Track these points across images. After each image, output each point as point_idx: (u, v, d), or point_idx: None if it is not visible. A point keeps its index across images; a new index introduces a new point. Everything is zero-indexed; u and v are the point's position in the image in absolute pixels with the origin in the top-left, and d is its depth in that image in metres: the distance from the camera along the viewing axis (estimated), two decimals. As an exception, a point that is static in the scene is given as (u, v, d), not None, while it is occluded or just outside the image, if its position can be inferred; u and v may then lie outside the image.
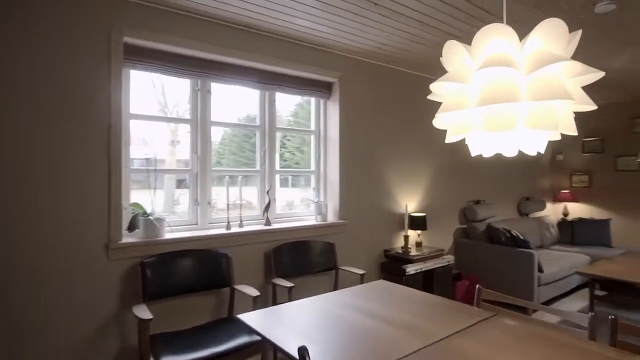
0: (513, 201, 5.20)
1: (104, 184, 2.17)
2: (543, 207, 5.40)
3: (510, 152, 1.22)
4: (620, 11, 2.44)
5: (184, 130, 2.74)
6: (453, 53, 1.13)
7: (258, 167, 3.07)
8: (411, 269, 3.29)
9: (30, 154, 1.96)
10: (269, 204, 2.94)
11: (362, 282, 2.83)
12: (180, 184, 2.76)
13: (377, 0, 2.28)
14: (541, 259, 3.88)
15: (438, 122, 1.26)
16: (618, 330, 1.43)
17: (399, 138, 3.76)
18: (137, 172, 2.49)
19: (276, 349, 1.41)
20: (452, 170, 4.31)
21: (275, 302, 2.74)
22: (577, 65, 0.98)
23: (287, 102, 3.23)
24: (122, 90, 2.25)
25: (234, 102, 2.94)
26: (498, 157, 4.91)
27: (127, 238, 2.31)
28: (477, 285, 1.86)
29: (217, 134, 2.79)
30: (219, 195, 2.81)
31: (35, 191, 1.97)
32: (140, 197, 2.47)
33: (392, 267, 3.41)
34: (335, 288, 3.06)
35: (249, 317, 1.65)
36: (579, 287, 4.40)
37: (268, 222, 2.91)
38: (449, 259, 3.64)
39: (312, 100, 3.41)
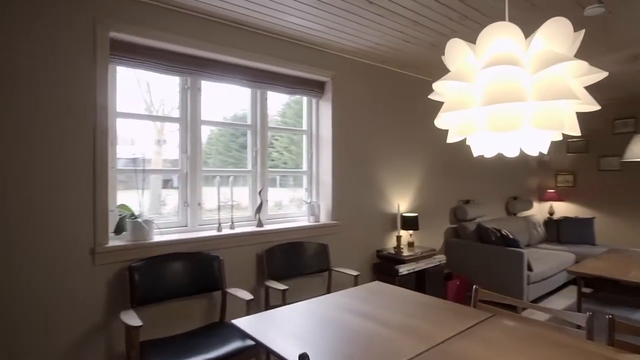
0: (501, 201, 5.27)
1: (89, 185, 2.09)
2: (530, 207, 5.49)
3: (511, 153, 1.21)
4: (609, 14, 2.47)
5: (170, 129, 2.66)
6: (456, 51, 1.11)
7: (249, 167, 3.01)
8: (404, 270, 3.28)
9: (10, 154, 1.86)
10: (261, 204, 2.89)
11: (356, 283, 2.80)
12: (166, 184, 2.69)
13: (372, -2, 2.26)
14: (530, 258, 3.93)
15: (440, 121, 1.24)
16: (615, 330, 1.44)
17: (391, 138, 3.75)
18: (123, 173, 2.40)
19: (273, 354, 1.36)
20: (443, 170, 4.33)
21: (267, 305, 2.69)
22: (584, 65, 0.97)
23: (274, 102, 3.18)
24: (108, 87, 2.17)
25: (223, 100, 2.88)
26: (487, 158, 4.96)
27: (114, 241, 2.22)
28: (474, 286, 1.85)
29: (203, 134, 2.71)
30: (207, 196, 2.74)
31: (14, 193, 1.87)
32: (127, 199, 2.38)
33: (384, 267, 3.40)
34: (329, 290, 3.03)
35: (244, 322, 1.60)
36: (564, 285, 4.48)
37: (260, 224, 2.85)
38: (440, 258, 3.65)
39: (304, 99, 3.37)
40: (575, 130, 1.04)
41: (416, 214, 3.69)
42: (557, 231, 5.19)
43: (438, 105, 4.27)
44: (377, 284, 2.14)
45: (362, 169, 3.49)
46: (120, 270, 2.16)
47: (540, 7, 2.34)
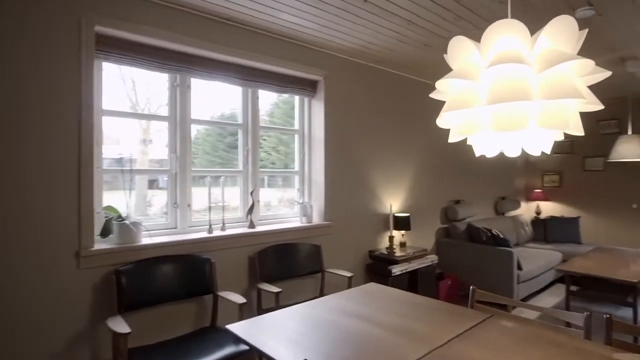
0: (490, 200, 5.32)
1: (74, 185, 2.00)
2: (518, 206, 5.56)
3: (513, 153, 1.19)
4: (598, 16, 2.51)
5: (157, 128, 2.59)
6: (460, 49, 1.08)
7: (240, 167, 2.95)
8: (397, 270, 3.27)
9: (-11, 153, 1.77)
10: (252, 205, 2.83)
11: (349, 284, 2.77)
12: (152, 184, 2.61)
13: (366, -4, 2.24)
14: (519, 257, 3.97)
15: (441, 120, 1.22)
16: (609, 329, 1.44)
17: (383, 138, 3.73)
18: (108, 173, 2.31)
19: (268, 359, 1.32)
20: (434, 170, 4.34)
21: (260, 308, 2.64)
22: (590, 64, 0.96)
23: (262, 102, 3.12)
24: (93, 84, 2.08)
25: (211, 99, 2.81)
26: (476, 158, 5.00)
27: (100, 244, 2.14)
28: (471, 287, 1.84)
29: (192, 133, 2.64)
30: (196, 196, 2.67)
31: (-5, 194, 1.78)
32: (113, 200, 2.30)
33: (377, 268, 3.38)
34: (322, 291, 2.99)
35: (238, 328, 1.55)
36: (551, 283, 4.55)
37: (252, 225, 2.80)
38: (432, 258, 3.66)
39: (296, 99, 3.33)
40: (579, 130, 1.02)
41: (408, 214, 3.69)
42: (544, 230, 5.27)
43: (430, 105, 4.29)
44: (372, 286, 2.11)
45: (355, 169, 3.47)
46: (106, 274, 2.08)
47: (532, 8, 2.35)
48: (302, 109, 3.34)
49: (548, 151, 1.11)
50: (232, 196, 2.92)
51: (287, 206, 3.28)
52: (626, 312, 3.66)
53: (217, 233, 2.58)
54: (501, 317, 1.65)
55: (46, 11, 1.91)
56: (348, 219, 3.40)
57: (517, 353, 1.31)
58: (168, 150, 2.57)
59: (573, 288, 3.52)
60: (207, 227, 2.60)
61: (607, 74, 1.03)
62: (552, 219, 5.30)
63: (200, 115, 2.70)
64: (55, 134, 1.94)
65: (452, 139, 1.22)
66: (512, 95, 0.97)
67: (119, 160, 2.36)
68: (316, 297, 2.92)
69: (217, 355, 1.89)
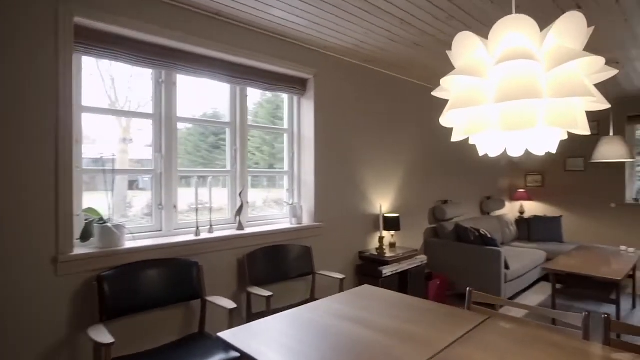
0: (476, 200, 5.37)
1: (51, 186, 1.88)
2: (503, 206, 5.64)
3: (517, 152, 1.17)
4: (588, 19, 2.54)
5: (137, 127, 2.48)
6: (466, 45, 1.05)
7: (228, 167, 2.86)
8: (387, 271, 3.24)
9: (-43, 151, 1.64)
10: (241, 206, 2.75)
11: (341, 286, 2.73)
12: (131, 185, 2.50)
13: (359, -7, 2.19)
14: (506, 256, 4.01)
15: (445, 119, 1.18)
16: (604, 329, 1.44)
17: (372, 138, 3.71)
18: (87, 173, 2.19)
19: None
20: (422, 171, 4.35)
21: (250, 312, 2.56)
22: (600, 62, 0.94)
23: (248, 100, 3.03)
24: (72, 79, 1.96)
25: (196, 96, 2.71)
26: (463, 158, 5.04)
27: (80, 249, 2.02)
28: (468, 288, 1.82)
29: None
30: (180, 198, 2.57)
31: (-37, 196, 1.65)
32: (92, 202, 2.18)
33: (368, 269, 3.35)
34: (313, 294, 2.93)
35: (230, 335, 1.48)
36: (535, 282, 4.63)
37: (240, 227, 2.71)
38: (422, 259, 3.65)
39: (285, 97, 3.26)
40: (586, 129, 1.00)
41: (397, 215, 3.67)
42: (528, 229, 5.36)
43: (418, 106, 4.29)
44: (366, 288, 2.07)
45: (345, 169, 3.43)
46: (87, 280, 1.96)
47: (523, 9, 2.36)
48: (292, 107, 3.27)
49: (554, 151, 1.09)
50: (217, 197, 2.83)
51: (272, 207, 3.21)
52: (609, 309, 3.75)
53: (204, 235, 2.49)
54: (499, 319, 1.64)
55: (20, 1, 1.78)
56: (338, 219, 3.35)
57: (518, 355, 1.29)
58: (152, 150, 2.46)
59: (557, 286, 3.59)
60: (194, 229, 2.51)
61: (614, 72, 1.01)
62: (536, 218, 5.40)
63: (183, 114, 2.59)
64: (31, 131, 1.82)
65: (456, 138, 1.19)
66: (521, 93, 0.93)
67: (98, 160, 2.25)
68: (307, 300, 2.87)
69: (207, 363, 1.80)
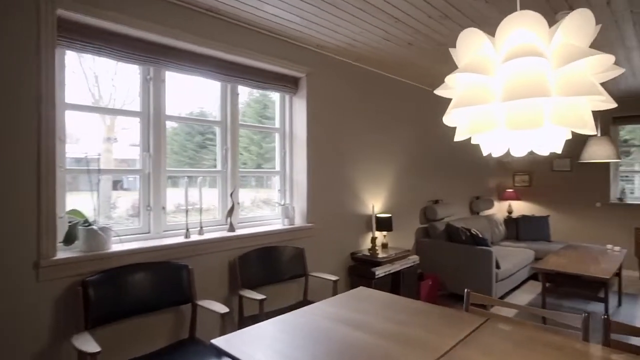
0: (466, 200, 5.41)
1: (32, 187, 1.78)
2: (491, 206, 5.69)
3: (521, 152, 1.15)
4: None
5: (122, 126, 2.39)
6: (472, 41, 1.02)
7: (219, 167, 2.79)
8: (380, 272, 3.22)
9: None
10: (232, 207, 2.68)
11: (335, 288, 2.69)
12: (116, 185, 2.42)
13: (354, -10, 2.16)
14: (496, 256, 4.03)
15: (449, 118, 1.15)
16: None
17: (365, 138, 3.68)
18: (71, 173, 2.10)
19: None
20: (414, 171, 4.34)
21: (242, 316, 2.49)
22: (610, 60, 0.92)
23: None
24: (55, 74, 1.87)
25: (186, 94, 2.63)
26: (452, 158, 5.06)
27: (64, 253, 1.92)
28: (466, 290, 1.80)
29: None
30: (168, 198, 2.49)
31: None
32: (75, 202, 2.08)
33: (360, 270, 3.32)
34: (305, 296, 2.88)
35: (223, 342, 1.42)
36: (524, 280, 4.68)
37: (232, 228, 2.65)
38: (414, 259, 3.64)
39: (277, 96, 3.20)
40: (593, 129, 0.98)
41: (390, 215, 3.66)
42: (516, 229, 5.42)
43: (410, 105, 4.28)
44: (362, 290, 2.03)
45: (337, 169, 3.39)
46: (71, 286, 1.87)
47: (513, 10, 2.36)
48: (283, 106, 3.21)
49: (559, 151, 1.07)
50: (207, 198, 2.75)
51: (261, 207, 3.14)
52: (596, 307, 3.81)
53: (194, 237, 2.42)
54: (497, 320, 1.62)
55: (-1, -10, 1.69)
56: (330, 220, 3.31)
57: (521, 358, 1.27)
58: (140, 149, 2.38)
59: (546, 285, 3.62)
60: (184, 231, 2.43)
61: (620, 70, 0.99)
62: (524, 217, 5.47)
63: (170, 112, 2.51)
64: (11, 129, 1.72)
65: (459, 137, 1.16)
66: (529, 91, 0.91)
67: (81, 160, 2.15)
68: (300, 302, 2.82)
69: (199, 371, 1.74)
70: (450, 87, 1.14)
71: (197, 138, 2.82)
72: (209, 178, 2.78)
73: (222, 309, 2.02)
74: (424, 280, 3.82)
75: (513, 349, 1.34)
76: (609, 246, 4.04)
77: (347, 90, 3.48)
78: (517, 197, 5.93)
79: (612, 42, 2.97)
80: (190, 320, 2.20)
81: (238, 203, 2.81)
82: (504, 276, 3.85)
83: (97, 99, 2.26)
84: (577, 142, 4.73)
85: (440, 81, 4.20)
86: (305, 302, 2.80)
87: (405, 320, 1.60)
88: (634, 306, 3.84)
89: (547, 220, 5.30)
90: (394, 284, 3.45)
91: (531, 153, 1.14)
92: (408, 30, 2.73)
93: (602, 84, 1.01)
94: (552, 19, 2.50)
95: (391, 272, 3.34)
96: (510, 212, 5.93)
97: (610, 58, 0.91)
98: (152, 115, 2.38)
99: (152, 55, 2.27)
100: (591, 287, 3.47)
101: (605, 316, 1.40)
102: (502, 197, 6.07)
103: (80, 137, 2.23)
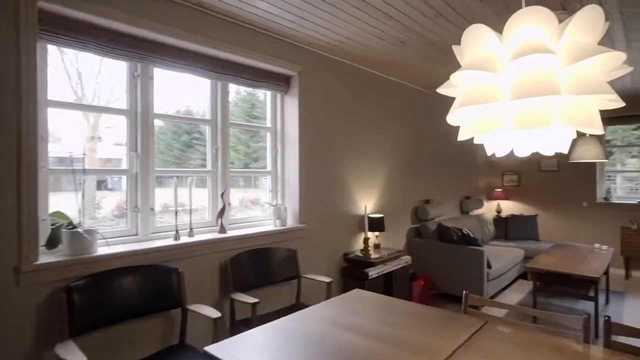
0: (456, 200, 5.43)
1: (12, 188, 1.69)
2: (481, 205, 5.73)
3: (525, 152, 1.12)
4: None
5: (107, 125, 2.30)
6: (479, 37, 0.98)
7: (209, 167, 2.72)
8: (373, 273, 3.19)
9: None
10: (223, 208, 2.61)
11: (328, 290, 2.64)
12: (100, 185, 2.33)
13: (349, -14, 2.11)
14: (487, 255, 4.05)
15: (453, 117, 1.12)
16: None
17: (357, 137, 3.64)
18: (55, 174, 2.00)
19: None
20: (405, 170, 4.33)
21: (233, 320, 2.43)
22: (621, 58, 0.89)
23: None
24: (36, 69, 1.78)
25: (173, 92, 2.54)
26: (442, 157, 5.08)
27: (46, 257, 1.83)
28: (464, 292, 1.78)
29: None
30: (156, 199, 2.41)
31: None
32: (57, 204, 1.99)
33: (353, 271, 3.28)
34: (298, 298, 2.83)
35: (217, 349, 1.36)
36: (514, 280, 4.72)
37: (223, 229, 2.58)
38: (406, 259, 3.63)
39: (268, 94, 3.14)
40: (601, 129, 0.96)
41: (382, 215, 3.63)
42: (506, 228, 5.47)
43: (401, 105, 4.27)
44: (358, 292, 1.99)
45: (329, 169, 3.34)
46: (54, 291, 1.78)
47: (512, 8, 2.35)
48: (275, 105, 3.16)
49: (566, 151, 1.05)
50: (196, 198, 2.67)
51: (250, 207, 3.07)
52: (584, 305, 3.86)
53: (184, 239, 2.34)
54: (496, 323, 1.60)
55: (-24, -21, 1.59)
56: (323, 221, 3.27)
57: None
58: (127, 148, 2.29)
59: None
60: (173, 232, 2.35)
61: (628, 69, 0.98)
62: (513, 217, 5.52)
63: (158, 111, 2.42)
64: (-11, 127, 1.63)
65: (462, 136, 1.13)
66: (538, 90, 0.88)
67: (64, 160, 2.06)
68: (293, 305, 2.77)
69: (190, 379, 1.67)
70: (455, 85, 1.10)
71: (184, 137, 2.74)
72: (197, 178, 2.70)
73: (213, 313, 1.95)
74: (416, 281, 3.81)
75: (515, 352, 1.32)
76: (597, 245, 4.11)
77: (339, 89, 3.44)
78: (505, 197, 5.99)
79: (602, 42, 3.00)
80: (180, 325, 2.13)
81: (229, 204, 2.74)
82: (494, 276, 3.87)
83: (80, 97, 2.17)
84: (565, 143, 4.80)
85: (432, 81, 4.20)
86: (298, 305, 2.75)
87: (404, 323, 1.56)
88: (621, 304, 3.90)
89: (536, 220, 5.36)
90: (387, 285, 3.43)
91: (535, 153, 1.11)
92: (402, 28, 2.71)
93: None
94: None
95: (384, 273, 3.31)
96: (499, 211, 5.99)
97: (620, 56, 0.89)
98: (140, 114, 2.30)
99: (140, 51, 2.19)
100: (580, 286, 3.51)
101: (607, 317, 1.39)
102: (491, 197, 6.12)
103: (62, 136, 2.14)
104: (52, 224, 1.91)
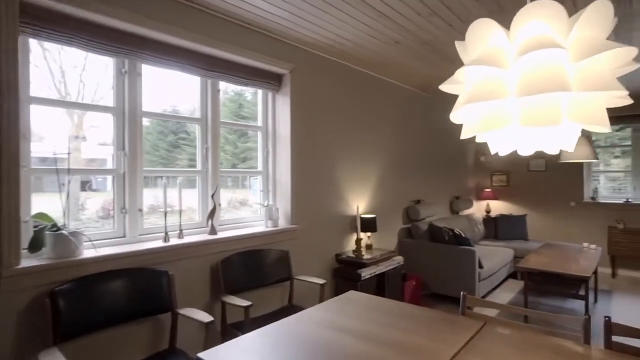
0: (446, 200, 5.45)
1: (-8, 189, 1.60)
2: (470, 205, 5.77)
3: (529, 151, 1.10)
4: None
5: (91, 124, 2.22)
6: (485, 32, 0.96)
7: (199, 167, 2.65)
8: (366, 274, 3.16)
9: None
10: (214, 209, 2.55)
11: (322, 292, 2.60)
12: (84, 186, 2.25)
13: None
14: (479, 255, 4.07)
15: (456, 114, 1.09)
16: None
17: (348, 137, 3.61)
18: (37, 174, 1.92)
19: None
20: (396, 171, 4.32)
21: (225, 323, 2.37)
22: (631, 53, 0.88)
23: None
24: (18, 64, 1.69)
25: (161, 90, 2.47)
26: (433, 157, 5.09)
27: (29, 261, 1.74)
28: (462, 292, 1.76)
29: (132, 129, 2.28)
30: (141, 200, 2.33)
31: None
32: (42, 205, 1.90)
33: (346, 272, 3.25)
34: (291, 300, 2.78)
35: (211, 355, 1.31)
36: (504, 279, 4.76)
37: (213, 231, 2.51)
38: (398, 260, 3.61)
39: (259, 93, 3.09)
40: (609, 126, 0.95)
41: (374, 216, 3.61)
42: (495, 228, 5.51)
43: (393, 105, 4.26)
44: (353, 294, 1.96)
45: (321, 169, 3.30)
46: (37, 297, 1.70)
47: (506, 8, 2.36)
48: (266, 104, 3.10)
49: (572, 149, 1.03)
50: (184, 199, 2.59)
51: (238, 208, 3.01)
52: (573, 304, 3.91)
53: (174, 241, 2.27)
54: (495, 324, 1.58)
55: (-48, -33, 1.50)
56: (315, 221, 3.22)
57: (525, 364, 1.24)
58: (114, 148, 2.21)
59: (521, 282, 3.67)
60: (162, 234, 2.28)
61: (636, 65, 0.96)
62: (502, 217, 5.57)
63: (146, 109, 2.34)
64: (-34, 123, 1.54)
65: (465, 135, 1.10)
66: (548, 86, 0.86)
67: (47, 159, 1.97)
68: (285, 307, 2.72)
69: (182, 386, 1.61)
70: (459, 81, 1.08)
71: (170, 137, 2.67)
72: (185, 179, 2.63)
73: (205, 317, 1.89)
74: (408, 281, 3.80)
75: (516, 354, 1.30)
76: (585, 244, 4.16)
77: (331, 88, 3.40)
78: (495, 197, 6.05)
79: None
80: (170, 330, 2.06)
81: (219, 204, 2.68)
82: (486, 275, 3.89)
83: (63, 96, 2.08)
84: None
85: (424, 82, 4.20)
86: (290, 307, 2.70)
87: (402, 325, 1.53)
88: (609, 302, 3.96)
89: (525, 220, 5.42)
90: (379, 286, 3.41)
91: (539, 152, 1.09)
92: (395, 27, 2.69)
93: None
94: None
95: (376, 273, 3.29)
96: (488, 211, 6.04)
97: (631, 51, 0.87)
98: (128, 111, 2.22)
99: (128, 46, 2.11)
100: (570, 285, 3.55)
101: (607, 318, 1.38)
102: (481, 197, 6.17)
103: (45, 135, 2.04)
104: (35, 226, 1.82)
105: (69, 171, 1.98)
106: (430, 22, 2.60)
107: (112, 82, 2.19)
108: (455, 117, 1.10)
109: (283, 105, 3.05)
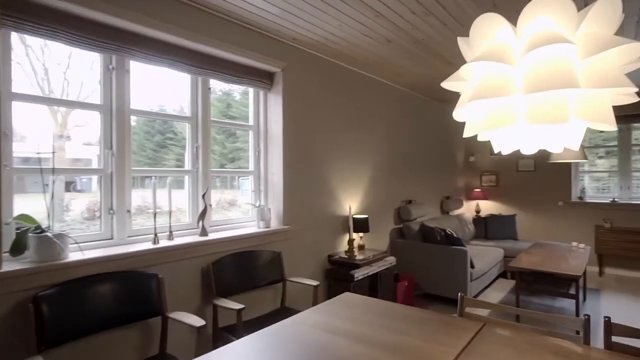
0: (437, 200, 5.47)
1: (-29, 189, 1.52)
2: (461, 205, 5.81)
3: (532, 150, 1.08)
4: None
5: (76, 123, 2.14)
6: (491, 27, 0.94)
7: (189, 167, 2.58)
8: (359, 274, 3.13)
9: None
10: (205, 210, 2.48)
11: (315, 293, 2.56)
12: (68, 186, 2.17)
13: (340, -20, 2.05)
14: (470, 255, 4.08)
15: (460, 112, 1.06)
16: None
17: (341, 137, 3.58)
18: (18, 174, 1.83)
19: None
20: (388, 171, 4.31)
21: (216, 327, 2.31)
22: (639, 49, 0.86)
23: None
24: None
25: (151, 88, 2.40)
26: (424, 158, 5.10)
27: (11, 265, 1.66)
28: (459, 294, 1.74)
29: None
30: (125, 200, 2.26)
31: None
32: (25, 207, 1.81)
33: (339, 273, 3.22)
34: (283, 303, 2.74)
35: (206, 362, 1.25)
36: (494, 278, 4.79)
37: (204, 232, 2.45)
38: (391, 260, 3.59)
39: (251, 91, 3.03)
40: (615, 124, 0.93)
41: (366, 216, 3.59)
42: (485, 228, 5.55)
43: (387, 105, 4.24)
44: (348, 296, 1.92)
45: (314, 169, 3.27)
46: (20, 302, 1.62)
47: (500, 7, 2.36)
48: (257, 103, 3.05)
49: (577, 148, 1.02)
50: (173, 199, 2.53)
51: (227, 209, 2.95)
52: (563, 303, 3.95)
53: (164, 243, 2.20)
54: (494, 325, 1.57)
55: None
56: (307, 222, 3.18)
57: (526, 366, 1.22)
58: (101, 146, 2.14)
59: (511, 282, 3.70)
60: (152, 236, 2.21)
61: (640, 64, 0.95)
62: (492, 217, 5.62)
63: (135, 107, 2.27)
64: (-58, 120, 1.45)
65: (469, 133, 1.08)
66: (556, 82, 0.84)
67: (29, 159, 1.88)
68: (278, 309, 2.67)
69: (173, 394, 1.55)
70: (463, 78, 1.05)
71: (157, 137, 2.60)
72: (173, 179, 2.56)
73: (197, 321, 1.83)
74: (400, 282, 3.79)
75: (518, 356, 1.28)
76: (574, 243, 4.22)
77: (323, 87, 3.37)
78: (484, 197, 6.10)
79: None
80: (160, 335, 1.99)
81: (210, 205, 2.62)
82: (477, 275, 3.90)
83: (47, 94, 1.99)
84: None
85: (415, 81, 4.20)
86: (283, 309, 2.66)
87: (399, 328, 1.50)
88: (598, 301, 4.02)
89: (514, 219, 5.48)
90: (372, 287, 3.38)
91: (541, 150, 1.08)
92: (390, 26, 2.67)
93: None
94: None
95: (369, 274, 3.26)
96: (478, 211, 6.08)
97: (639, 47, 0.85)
98: (115, 109, 2.14)
99: (116, 42, 2.04)
100: (561, 284, 3.59)
101: (607, 318, 1.38)
102: (470, 197, 6.21)
103: (27, 134, 1.96)
104: (17, 228, 1.74)
105: (53, 171, 1.90)
106: (425, 21, 2.58)
107: (99, 78, 2.12)
108: (458, 114, 1.07)
109: (275, 104, 3.00)
